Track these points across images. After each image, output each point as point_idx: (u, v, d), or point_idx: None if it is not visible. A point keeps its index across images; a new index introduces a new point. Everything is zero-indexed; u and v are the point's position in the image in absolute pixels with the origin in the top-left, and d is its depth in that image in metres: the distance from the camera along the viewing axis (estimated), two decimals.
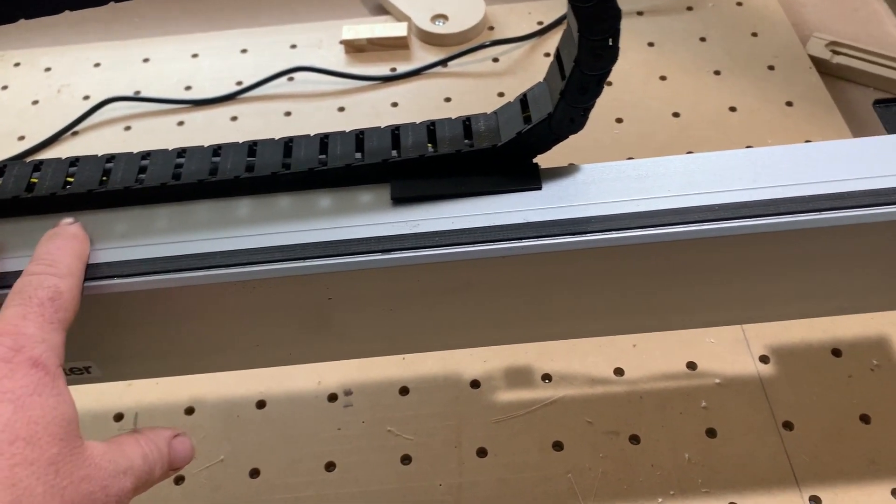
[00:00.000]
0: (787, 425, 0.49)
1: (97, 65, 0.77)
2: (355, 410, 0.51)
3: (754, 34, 0.74)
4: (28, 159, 0.65)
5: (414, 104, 0.71)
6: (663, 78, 0.71)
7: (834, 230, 0.35)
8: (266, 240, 0.35)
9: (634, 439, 0.49)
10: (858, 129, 0.66)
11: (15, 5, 0.30)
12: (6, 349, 0.28)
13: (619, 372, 0.52)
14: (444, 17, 0.76)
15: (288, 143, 0.37)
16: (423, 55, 0.75)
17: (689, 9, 0.77)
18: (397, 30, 0.75)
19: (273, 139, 0.38)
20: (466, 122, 0.38)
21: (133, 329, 0.36)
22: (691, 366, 0.52)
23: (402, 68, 0.74)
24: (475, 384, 0.52)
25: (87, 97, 0.74)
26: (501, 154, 0.36)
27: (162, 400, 0.53)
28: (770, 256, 0.36)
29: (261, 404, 0.52)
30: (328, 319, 0.37)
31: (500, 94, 0.71)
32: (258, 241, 0.35)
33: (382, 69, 0.74)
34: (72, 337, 0.36)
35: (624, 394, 0.51)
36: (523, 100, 0.37)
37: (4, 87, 0.75)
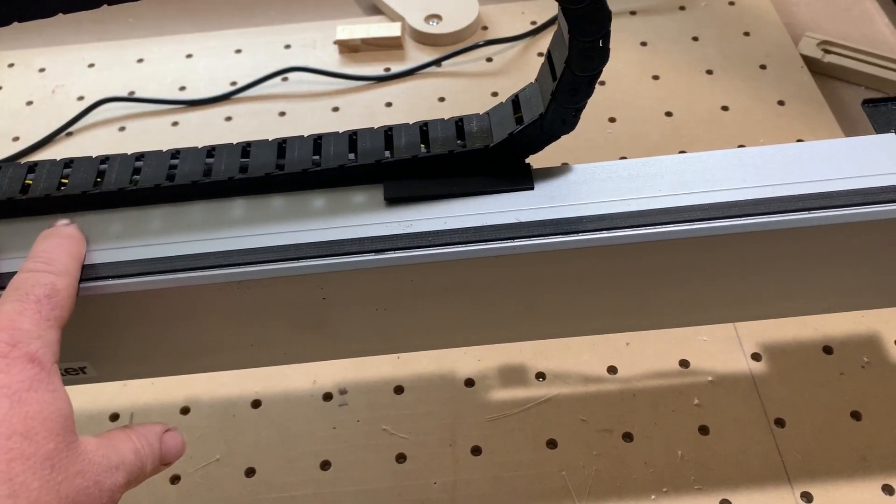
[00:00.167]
0: (779, 422, 0.49)
1: (91, 65, 0.77)
2: (350, 409, 0.52)
3: (746, 34, 0.74)
4: (22, 160, 0.65)
5: (408, 104, 0.71)
6: (656, 77, 0.71)
7: (824, 229, 0.35)
8: (260, 240, 0.35)
9: (628, 437, 0.49)
10: (850, 128, 0.66)
11: (8, 8, 0.30)
12: (2, 344, 0.28)
13: (612, 370, 0.52)
14: (437, 17, 0.76)
15: (282, 144, 0.38)
16: (416, 55, 0.75)
17: (682, 8, 0.77)
18: (391, 30, 0.75)
19: (267, 140, 0.38)
20: (459, 123, 0.38)
21: (128, 329, 0.37)
22: (684, 364, 0.52)
23: (396, 68, 0.74)
24: (469, 383, 0.52)
25: (81, 98, 0.74)
26: (494, 154, 0.36)
27: (157, 400, 0.53)
28: (761, 255, 0.36)
29: (256, 404, 0.52)
30: (323, 319, 0.37)
31: (494, 94, 0.71)
32: (252, 242, 0.35)
33: (376, 69, 0.74)
34: (67, 337, 0.36)
35: (617, 392, 0.51)
36: (515, 101, 0.37)
37: None
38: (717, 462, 0.48)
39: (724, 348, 0.53)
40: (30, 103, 0.74)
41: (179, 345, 0.38)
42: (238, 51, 0.77)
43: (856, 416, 0.49)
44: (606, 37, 0.32)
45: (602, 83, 0.32)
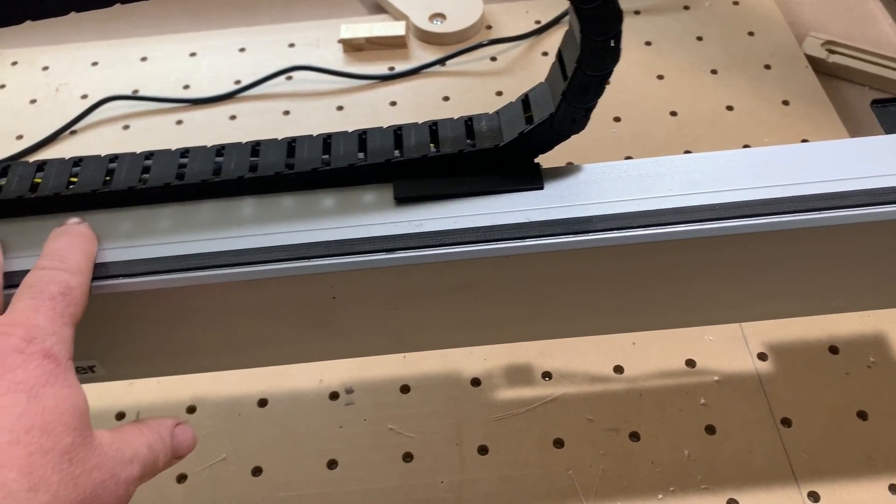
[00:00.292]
0: (786, 422, 0.49)
1: (95, 63, 0.77)
2: (357, 409, 0.52)
3: (751, 33, 0.74)
4: (27, 158, 0.65)
5: (412, 103, 0.71)
6: (660, 77, 0.71)
7: (833, 229, 0.35)
8: (270, 239, 0.35)
9: (634, 436, 0.49)
10: (854, 129, 0.66)
11: (21, 7, 0.30)
12: (19, 340, 0.28)
13: (618, 370, 0.52)
14: (441, 16, 0.76)
15: (291, 144, 0.38)
16: (421, 54, 0.75)
17: (686, 8, 0.77)
18: (395, 29, 0.75)
19: (276, 139, 0.38)
20: (468, 123, 0.38)
21: (137, 328, 0.37)
22: (690, 363, 0.52)
23: (401, 67, 0.74)
24: (475, 382, 0.52)
25: (85, 96, 0.74)
26: (503, 154, 0.36)
27: (163, 399, 0.53)
28: (770, 255, 0.36)
29: (262, 403, 0.52)
30: (332, 318, 0.37)
31: (499, 93, 0.71)
32: (263, 241, 0.35)
33: (381, 68, 0.74)
34: (76, 336, 0.36)
35: (623, 391, 0.51)
36: (525, 100, 0.37)
37: (2, 86, 0.75)
38: (723, 461, 0.48)
39: (730, 348, 0.53)
40: (33, 101, 0.74)
41: (189, 344, 0.38)
42: (242, 49, 0.77)
43: (862, 415, 0.49)
44: (618, 36, 0.32)
45: (607, 82, 0.32)
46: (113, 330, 0.37)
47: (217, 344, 0.38)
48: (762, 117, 0.67)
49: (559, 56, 0.35)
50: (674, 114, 0.68)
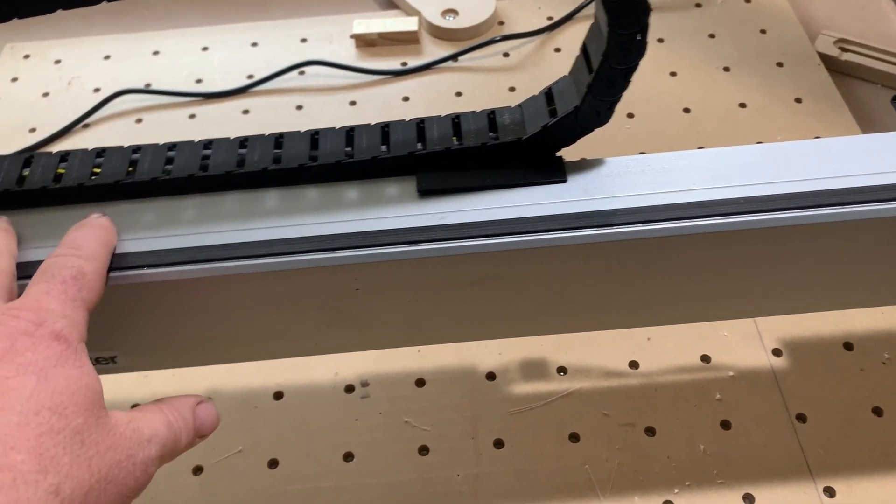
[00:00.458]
0: (801, 417, 0.49)
1: (107, 57, 0.77)
2: (372, 402, 0.52)
3: (763, 31, 0.74)
4: (41, 151, 0.65)
5: (425, 98, 0.71)
6: (673, 74, 0.71)
7: (856, 224, 0.35)
8: (294, 231, 0.35)
9: (650, 431, 0.49)
10: (868, 127, 0.66)
11: (7, 4, 0.30)
12: (28, 323, 0.28)
13: (633, 365, 0.52)
14: (454, 11, 0.76)
15: (314, 136, 0.38)
16: (433, 50, 0.75)
17: (698, 5, 0.77)
18: (408, 24, 0.75)
19: (299, 131, 0.38)
20: (491, 116, 0.38)
21: (160, 319, 0.37)
22: (705, 359, 0.52)
23: (413, 63, 0.74)
24: (491, 376, 0.53)
25: (97, 89, 0.74)
26: (527, 147, 0.36)
27: (179, 391, 0.52)
28: (791, 250, 0.36)
29: (278, 395, 0.52)
30: (355, 310, 0.37)
31: (511, 89, 0.71)
32: (287, 233, 0.35)
33: (393, 63, 0.74)
34: (99, 326, 0.36)
35: (639, 386, 0.51)
36: (548, 93, 0.37)
37: (14, 79, 0.75)
38: (739, 456, 0.48)
39: (744, 343, 0.53)
40: (46, 95, 0.74)
41: (211, 335, 0.38)
42: (254, 44, 0.77)
43: (877, 411, 0.49)
44: (645, 30, 0.32)
45: (632, 76, 0.33)
46: (135, 320, 0.37)
47: (240, 335, 0.38)
48: (775, 115, 0.67)
49: (584, 49, 0.35)
50: (687, 110, 0.68)
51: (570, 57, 0.36)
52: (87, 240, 0.33)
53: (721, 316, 0.42)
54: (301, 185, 0.37)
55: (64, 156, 0.38)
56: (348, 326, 0.39)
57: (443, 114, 0.38)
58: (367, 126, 0.38)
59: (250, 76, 0.74)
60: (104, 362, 0.39)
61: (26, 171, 0.37)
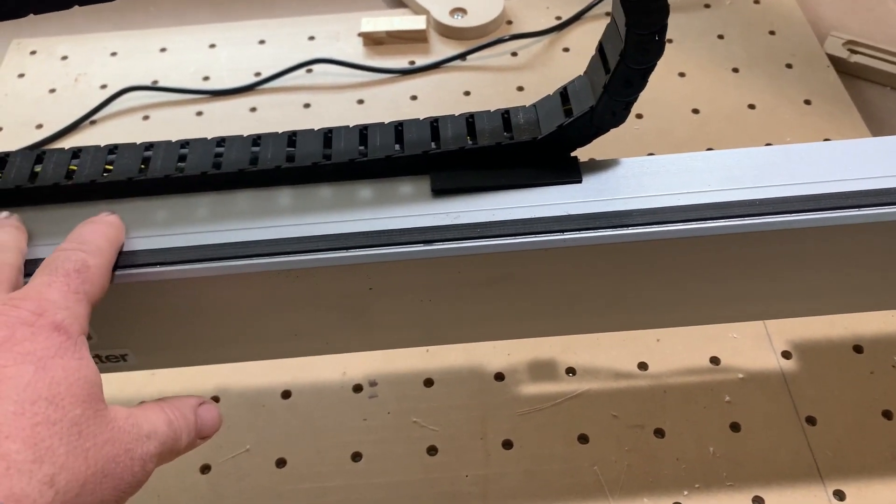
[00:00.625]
0: (810, 420, 0.49)
1: (114, 54, 0.77)
2: (380, 401, 0.51)
3: (772, 32, 0.74)
4: (48, 147, 0.65)
5: (433, 98, 0.71)
6: (682, 74, 0.71)
7: (870, 227, 0.35)
8: (308, 229, 0.35)
9: (659, 433, 0.49)
10: (877, 129, 0.66)
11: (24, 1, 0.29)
12: (28, 313, 0.28)
13: (642, 366, 0.52)
14: (462, 10, 0.76)
15: (328, 134, 0.38)
16: (441, 49, 0.75)
17: (707, 6, 0.77)
18: (416, 23, 0.75)
19: (312, 129, 0.38)
20: (505, 115, 0.38)
21: (172, 317, 0.37)
22: (714, 361, 0.52)
23: (421, 62, 0.74)
24: (499, 377, 0.52)
25: (104, 86, 0.74)
26: (541, 147, 0.36)
27: (186, 389, 0.53)
28: (805, 252, 0.36)
29: (286, 394, 0.52)
30: (368, 309, 0.37)
31: (520, 89, 0.71)
32: (300, 231, 0.35)
33: (401, 62, 0.74)
34: (110, 323, 0.36)
35: (648, 388, 0.51)
36: (563, 93, 0.37)
37: (21, 76, 0.75)
38: (748, 459, 0.48)
39: (754, 346, 0.53)
40: (52, 91, 0.74)
41: (223, 333, 0.38)
42: (261, 41, 0.77)
43: (887, 415, 0.49)
44: (663, 30, 0.32)
45: (649, 76, 0.33)
46: (146, 318, 0.37)
47: (252, 333, 0.38)
48: (784, 116, 0.67)
49: (600, 49, 0.35)
50: (696, 111, 0.68)
51: (579, 56, 0.36)
52: (92, 235, 0.33)
53: (732, 318, 0.42)
54: (314, 183, 0.37)
55: (76, 152, 0.38)
56: (361, 326, 0.38)
57: (451, 113, 0.38)
58: (381, 125, 0.38)
59: (258, 74, 0.74)
60: (115, 360, 0.38)
61: (38, 168, 0.37)
